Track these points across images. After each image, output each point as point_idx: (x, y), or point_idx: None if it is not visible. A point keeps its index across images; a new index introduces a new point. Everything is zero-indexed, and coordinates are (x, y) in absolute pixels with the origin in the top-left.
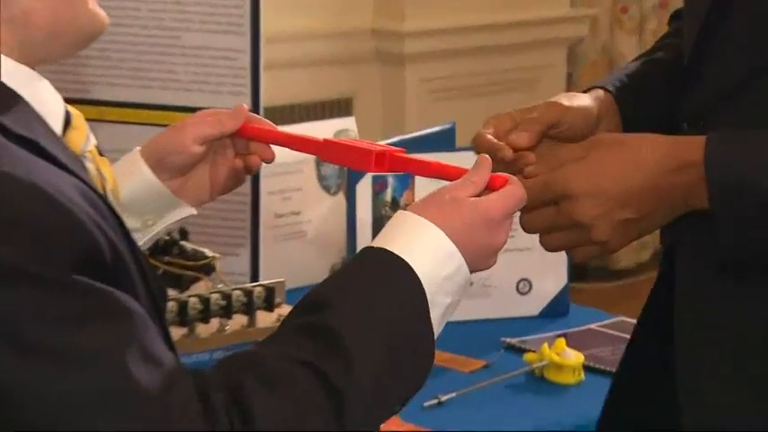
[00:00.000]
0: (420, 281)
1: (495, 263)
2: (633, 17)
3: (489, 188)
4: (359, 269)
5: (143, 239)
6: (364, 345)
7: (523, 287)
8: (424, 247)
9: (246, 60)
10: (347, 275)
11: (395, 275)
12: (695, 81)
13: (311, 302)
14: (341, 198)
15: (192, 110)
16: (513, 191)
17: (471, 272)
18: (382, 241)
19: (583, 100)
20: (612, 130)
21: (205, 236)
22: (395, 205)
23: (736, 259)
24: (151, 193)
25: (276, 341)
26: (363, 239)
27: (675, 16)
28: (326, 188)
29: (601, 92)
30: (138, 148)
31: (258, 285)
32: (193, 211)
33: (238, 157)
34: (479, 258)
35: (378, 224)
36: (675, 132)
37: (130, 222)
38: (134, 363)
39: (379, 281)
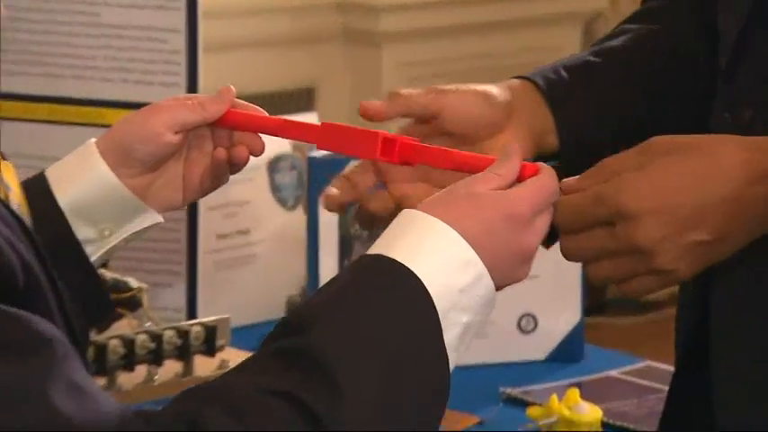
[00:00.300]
0: (429, 294)
1: (527, 273)
2: None
3: (518, 179)
4: (351, 281)
5: (97, 253)
6: (356, 371)
7: (527, 324)
8: (433, 252)
9: (181, 42)
10: (336, 288)
11: (397, 287)
12: (748, 63)
13: (291, 321)
14: (300, 213)
15: (113, 104)
16: (543, 182)
17: (497, 284)
18: (382, 247)
19: (479, 86)
20: (539, 131)
21: (129, 262)
22: None
23: None
24: (108, 196)
25: (247, 369)
26: (328, 265)
27: None
28: (282, 201)
29: (517, 81)
30: (93, 139)
31: (196, 324)
32: (160, 219)
33: (220, 150)
34: (506, 266)
35: (346, 246)
36: (704, 128)
37: (83, 232)
38: (60, 397)
39: (377, 294)
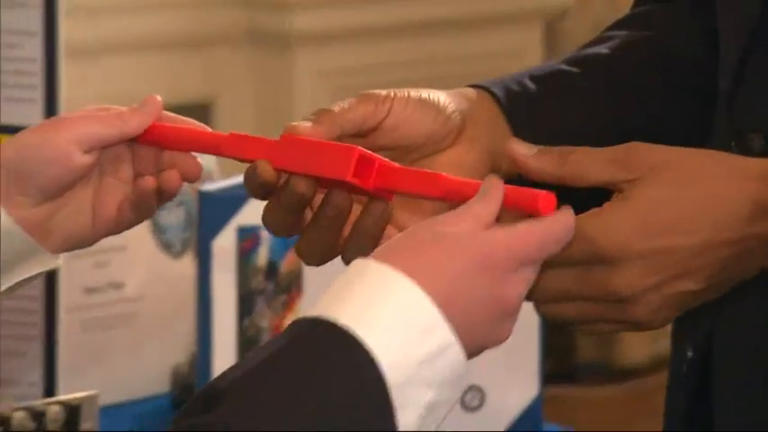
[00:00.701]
0: (380, 368)
1: (509, 332)
2: None
3: (532, 211)
4: (282, 348)
5: None
6: None
7: (472, 400)
8: (388, 314)
9: (36, 47)
10: (263, 358)
11: (338, 360)
12: (747, 96)
13: (205, 395)
14: (188, 261)
15: None
16: (549, 226)
17: (470, 350)
18: (324, 306)
19: (426, 91)
20: (495, 150)
21: None
22: (272, 273)
23: None
24: None
25: None
26: (224, 327)
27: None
28: (166, 246)
29: (472, 91)
30: None
31: (54, 403)
32: (58, 263)
33: (143, 177)
34: (481, 327)
35: (246, 303)
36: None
37: None
38: None
39: (313, 367)
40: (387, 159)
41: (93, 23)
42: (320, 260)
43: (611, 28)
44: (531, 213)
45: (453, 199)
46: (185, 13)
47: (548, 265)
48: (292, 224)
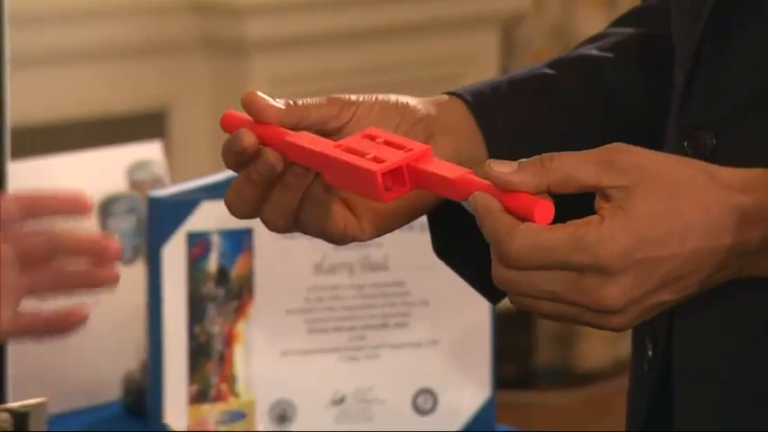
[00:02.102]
0: None
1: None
2: None
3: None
4: None
5: None
6: None
7: (424, 403)
8: None
9: None
10: None
11: None
12: (703, 85)
13: None
14: (139, 268)
15: None
16: None
17: None
18: None
19: (394, 96)
20: (466, 157)
21: None
22: (223, 278)
23: None
24: None
25: None
26: (174, 333)
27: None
28: None
29: (443, 97)
30: None
31: (2, 410)
32: None
33: None
34: None
35: (197, 308)
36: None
37: None
38: None
39: None
40: (421, 149)
41: (46, 32)
42: (281, 227)
43: (614, 24)
44: (526, 221)
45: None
46: (139, 21)
47: (547, 266)
48: (256, 202)
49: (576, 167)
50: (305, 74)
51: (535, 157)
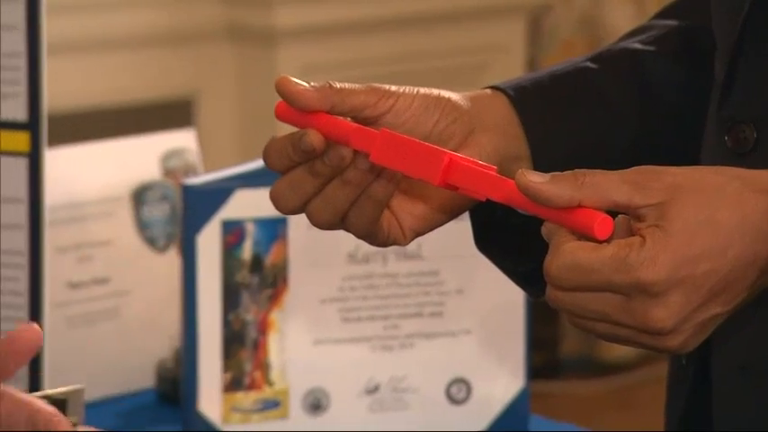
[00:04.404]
0: None
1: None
2: None
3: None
4: None
5: None
6: None
7: (458, 392)
8: None
9: (20, 41)
10: None
11: None
12: (740, 86)
13: None
14: (173, 257)
15: None
16: None
17: None
18: None
19: (434, 90)
20: (507, 155)
21: None
22: (257, 266)
23: None
24: None
25: None
26: (209, 322)
27: None
28: (151, 241)
29: (486, 92)
30: None
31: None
32: None
33: None
34: None
35: (231, 296)
36: (695, 152)
37: None
38: None
39: None
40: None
41: (75, 19)
42: (327, 223)
43: (658, 15)
44: (586, 235)
45: (515, 203)
46: (168, 10)
47: (591, 287)
48: (309, 196)
49: (609, 186)
50: (332, 63)
51: (569, 171)
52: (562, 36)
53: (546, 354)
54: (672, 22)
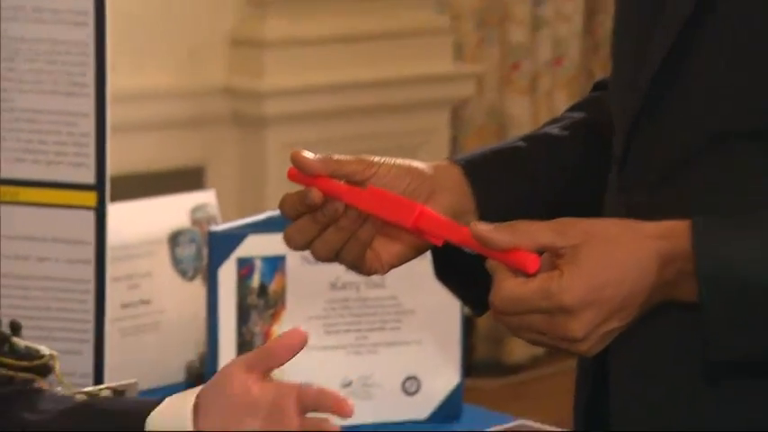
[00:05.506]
0: None
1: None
2: (525, 75)
3: (522, 269)
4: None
5: None
6: None
7: (411, 386)
8: None
9: (90, 125)
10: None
11: None
12: (638, 152)
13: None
14: (198, 284)
15: (26, 183)
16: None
17: None
18: None
19: (408, 163)
20: (459, 210)
21: (40, 330)
22: (263, 292)
23: (724, 360)
24: None
25: None
26: (226, 332)
27: (598, 87)
28: (182, 272)
29: (443, 162)
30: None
31: (106, 388)
32: None
33: None
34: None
35: (243, 314)
36: (600, 209)
37: None
38: None
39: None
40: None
41: (120, 108)
42: (325, 258)
43: (572, 108)
44: (520, 269)
45: (468, 245)
46: (188, 101)
47: (525, 311)
48: (312, 238)
49: (537, 232)
50: (310, 142)
51: (507, 222)
52: (477, 123)
53: (466, 358)
54: (581, 114)
